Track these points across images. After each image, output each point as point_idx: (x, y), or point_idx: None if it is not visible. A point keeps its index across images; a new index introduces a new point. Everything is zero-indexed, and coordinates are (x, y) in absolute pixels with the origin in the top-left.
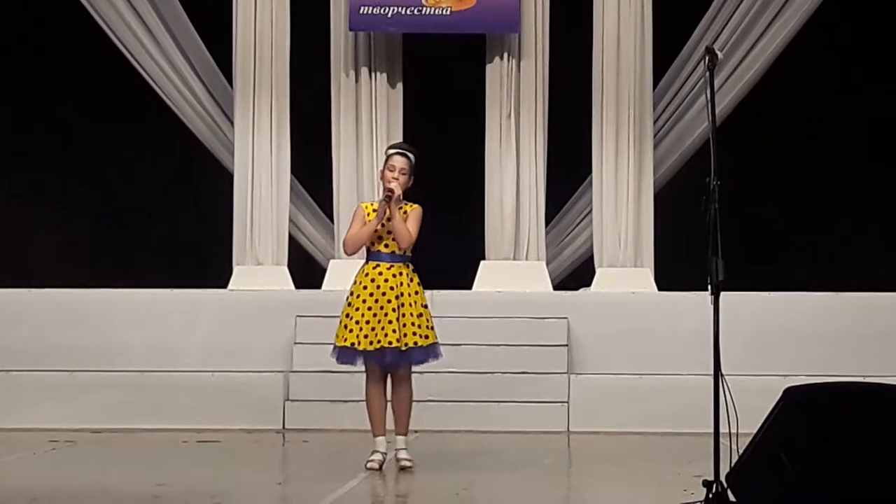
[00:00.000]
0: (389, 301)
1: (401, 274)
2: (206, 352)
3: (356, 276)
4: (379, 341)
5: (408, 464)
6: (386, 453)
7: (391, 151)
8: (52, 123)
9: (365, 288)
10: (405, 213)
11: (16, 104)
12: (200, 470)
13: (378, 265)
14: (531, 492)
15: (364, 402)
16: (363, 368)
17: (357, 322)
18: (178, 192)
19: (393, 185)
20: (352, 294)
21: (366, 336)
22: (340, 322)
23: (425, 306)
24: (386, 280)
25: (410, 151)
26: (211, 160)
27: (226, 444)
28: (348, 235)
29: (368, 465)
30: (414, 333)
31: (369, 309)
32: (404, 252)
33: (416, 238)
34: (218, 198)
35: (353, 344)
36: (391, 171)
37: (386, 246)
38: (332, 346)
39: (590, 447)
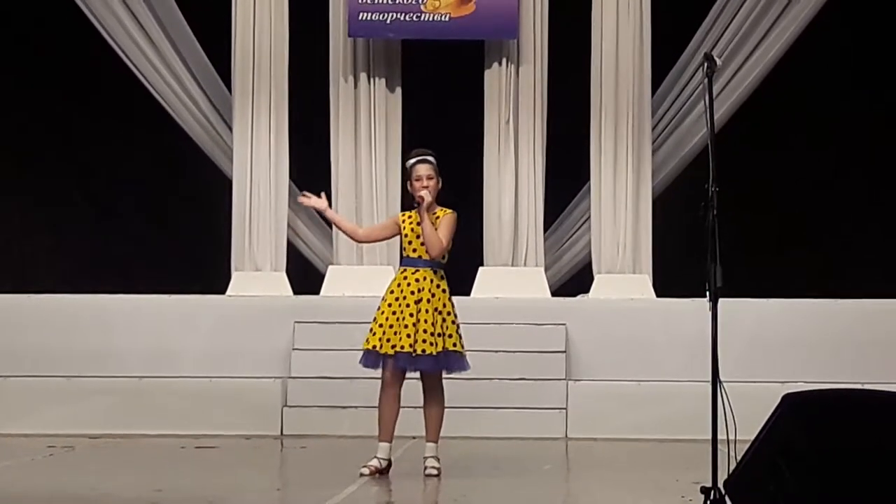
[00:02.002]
0: (409, 305)
1: (424, 279)
2: (205, 357)
3: (391, 282)
4: (394, 346)
5: (433, 472)
6: (387, 460)
7: (411, 162)
8: (49, 127)
9: (392, 292)
10: (437, 218)
11: (14, 107)
12: (198, 476)
13: (405, 269)
14: (529, 498)
15: (363, 408)
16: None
17: (381, 325)
18: (177, 197)
19: (423, 192)
20: (383, 299)
21: (388, 340)
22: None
23: (449, 313)
24: (409, 285)
25: (430, 155)
26: (209, 165)
27: (224, 450)
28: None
29: (361, 469)
30: (424, 341)
31: (393, 313)
32: (432, 258)
33: (447, 245)
34: (216, 203)
35: (374, 347)
36: (418, 180)
37: (414, 251)
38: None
39: (588, 453)
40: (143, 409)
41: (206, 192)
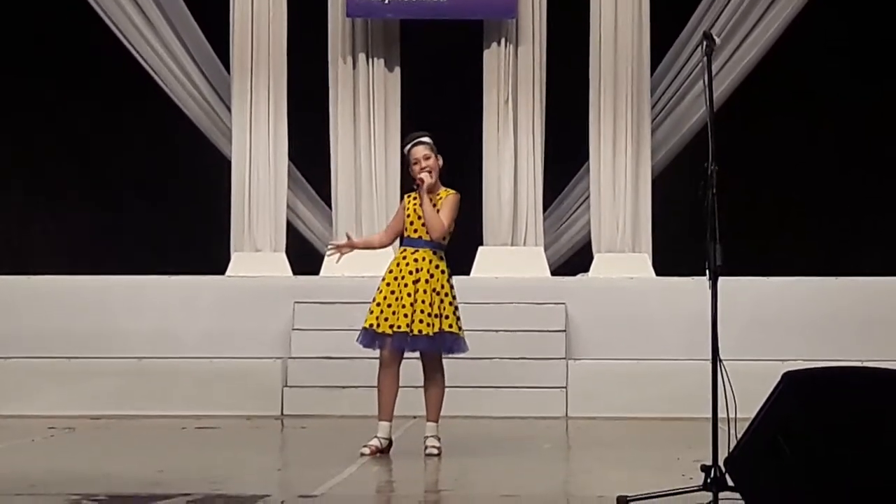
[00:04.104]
0: (407, 285)
1: (423, 259)
2: (205, 338)
3: (391, 262)
4: (391, 325)
5: (433, 451)
6: (387, 439)
7: (408, 147)
8: (48, 110)
9: (391, 272)
10: (440, 199)
11: (12, 92)
12: (199, 456)
13: (405, 250)
14: (530, 477)
15: (363, 388)
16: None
17: (378, 304)
18: (176, 178)
19: (423, 175)
20: (382, 278)
21: (386, 319)
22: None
23: (447, 294)
24: (408, 265)
25: (425, 136)
26: (208, 146)
27: (225, 430)
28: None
29: (362, 449)
30: (421, 321)
31: (392, 293)
32: (433, 239)
33: (448, 226)
34: (216, 184)
35: (371, 326)
36: (416, 163)
37: (415, 231)
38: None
39: (588, 432)
40: (143, 390)
41: (206, 173)
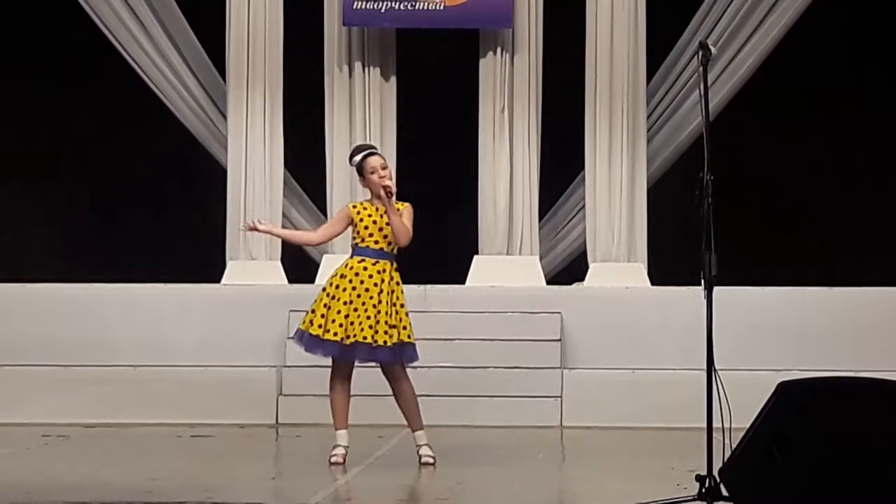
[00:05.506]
0: (371, 297)
1: (384, 271)
2: (200, 346)
3: (338, 269)
4: (353, 336)
5: (429, 459)
6: (348, 446)
7: (359, 158)
8: (43, 117)
9: (345, 278)
10: (398, 210)
11: (7, 98)
12: (194, 464)
13: (364, 260)
14: (524, 486)
15: (358, 397)
16: (328, 360)
17: (336, 312)
18: (171, 186)
19: (389, 182)
20: (331, 285)
21: (341, 326)
22: (314, 310)
23: (402, 305)
24: (370, 276)
25: (376, 148)
26: (204, 154)
27: (219, 438)
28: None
29: (332, 459)
30: (385, 332)
31: (349, 303)
32: (392, 249)
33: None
34: (211, 192)
35: (319, 334)
36: (373, 172)
37: (376, 242)
38: (296, 331)
39: (583, 442)
40: (138, 398)
41: (201, 180)
